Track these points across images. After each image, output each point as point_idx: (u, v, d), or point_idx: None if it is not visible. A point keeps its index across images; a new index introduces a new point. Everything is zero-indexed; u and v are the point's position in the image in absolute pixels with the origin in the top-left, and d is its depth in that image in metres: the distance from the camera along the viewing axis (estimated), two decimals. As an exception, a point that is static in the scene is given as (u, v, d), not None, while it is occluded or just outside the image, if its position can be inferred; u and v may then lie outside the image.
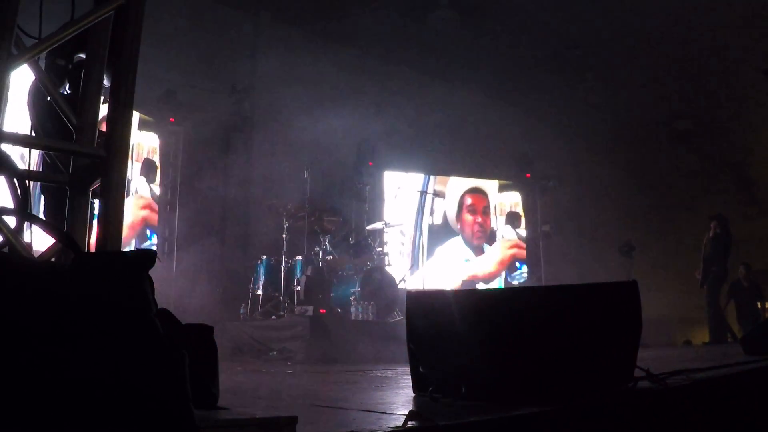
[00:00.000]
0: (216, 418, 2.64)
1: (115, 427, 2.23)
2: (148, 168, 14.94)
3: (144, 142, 14.99)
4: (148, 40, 11.83)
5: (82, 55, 4.66)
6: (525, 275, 20.41)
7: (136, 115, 14.51)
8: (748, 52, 17.89)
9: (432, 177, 19.40)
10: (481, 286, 19.23)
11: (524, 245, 20.54)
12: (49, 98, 4.14)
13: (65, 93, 5.83)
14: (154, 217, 14.93)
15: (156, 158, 15.27)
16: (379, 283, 13.57)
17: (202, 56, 15.83)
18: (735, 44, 17.58)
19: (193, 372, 2.43)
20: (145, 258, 2.58)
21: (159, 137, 15.40)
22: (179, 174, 15.72)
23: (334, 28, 17.73)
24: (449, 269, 19.01)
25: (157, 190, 15.17)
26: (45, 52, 4.42)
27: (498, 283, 19.75)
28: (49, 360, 2.26)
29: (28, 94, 5.77)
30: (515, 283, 20.18)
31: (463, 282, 18.75)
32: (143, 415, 2.26)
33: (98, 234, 3.47)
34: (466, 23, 17.21)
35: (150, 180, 14.96)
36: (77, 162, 3.88)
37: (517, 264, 20.39)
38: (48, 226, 3.27)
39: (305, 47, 17.27)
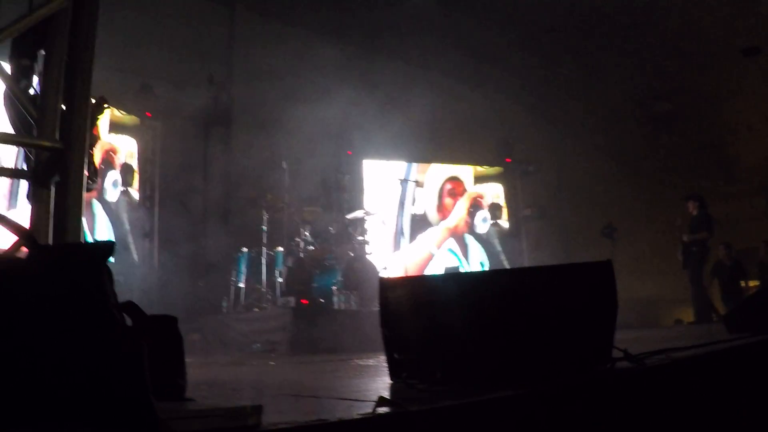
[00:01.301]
0: (180, 409, 2.60)
1: (74, 418, 2.20)
2: (125, 172, 14.82)
3: (121, 147, 14.87)
4: (124, 34, 11.76)
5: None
6: (488, 218, 20.41)
7: (107, 116, 14.45)
8: (727, 33, 17.90)
9: (414, 165, 19.39)
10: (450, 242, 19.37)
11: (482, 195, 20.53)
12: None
13: (36, 92, 5.79)
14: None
15: (134, 162, 15.16)
16: (361, 272, 13.55)
17: (179, 50, 15.78)
18: (714, 25, 17.59)
19: (157, 363, 2.39)
20: (102, 249, 2.53)
21: (137, 141, 15.31)
22: (158, 169, 15.63)
23: (310, 18, 17.68)
24: (432, 258, 19.02)
25: (135, 194, 15.07)
26: (10, 55, 4.39)
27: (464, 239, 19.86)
28: (3, 353, 2.22)
29: (3, 96, 5.74)
30: (482, 231, 20.21)
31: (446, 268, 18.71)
32: (102, 405, 2.22)
33: (56, 226, 3.44)
34: (444, 9, 17.18)
35: (128, 184, 14.85)
36: (39, 156, 3.85)
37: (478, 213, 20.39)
38: (6, 221, 3.23)
39: (282, 38, 17.24)
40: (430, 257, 19.18)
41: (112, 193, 14.47)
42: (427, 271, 18.79)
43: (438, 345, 4.25)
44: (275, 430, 2.45)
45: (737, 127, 21.06)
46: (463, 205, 20.03)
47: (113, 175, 14.49)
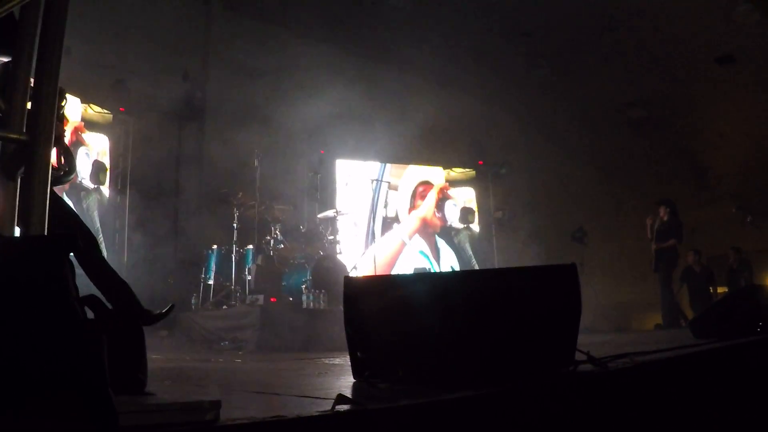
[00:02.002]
0: (138, 403, 2.60)
1: (31, 411, 2.20)
2: (97, 170, 14.75)
3: (93, 144, 14.81)
4: (98, 28, 11.72)
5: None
6: (458, 205, 20.53)
7: (79, 109, 14.40)
8: (702, 41, 18.00)
9: (387, 165, 19.42)
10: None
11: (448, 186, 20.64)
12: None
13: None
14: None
15: (106, 160, 15.10)
16: (330, 272, 13.53)
17: (153, 45, 15.68)
18: (689, 33, 17.68)
19: (117, 357, 2.40)
20: (64, 242, 2.53)
21: (109, 138, 15.25)
22: (129, 164, 15.58)
23: (285, 16, 17.67)
24: (401, 260, 19.07)
25: (106, 192, 15.02)
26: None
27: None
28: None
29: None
30: (452, 220, 20.36)
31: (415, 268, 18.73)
32: (59, 399, 2.22)
33: (20, 219, 3.43)
34: (418, 10, 17.20)
35: (99, 182, 14.79)
36: (5, 147, 3.84)
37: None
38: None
39: (258, 36, 17.22)
40: (402, 246, 19.23)
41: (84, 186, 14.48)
42: (398, 263, 18.87)
43: (401, 344, 4.28)
44: (232, 426, 2.46)
45: (710, 135, 21.17)
46: (432, 197, 20.08)
47: (84, 164, 14.44)
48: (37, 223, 3.35)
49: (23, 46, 4.00)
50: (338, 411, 2.81)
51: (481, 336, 4.14)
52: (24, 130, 3.77)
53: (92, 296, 3.04)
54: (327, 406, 2.93)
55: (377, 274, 15.47)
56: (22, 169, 3.75)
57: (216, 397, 2.61)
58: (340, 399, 2.92)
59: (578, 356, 4.21)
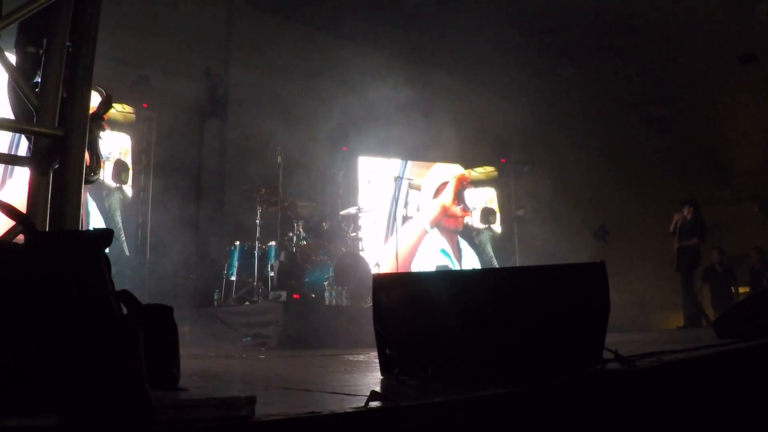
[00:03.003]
0: (173, 398, 2.61)
1: (69, 403, 2.21)
2: (119, 169, 14.78)
3: (115, 144, 14.85)
4: (122, 25, 11.74)
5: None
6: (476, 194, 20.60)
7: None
8: (725, 39, 17.91)
9: (408, 163, 19.43)
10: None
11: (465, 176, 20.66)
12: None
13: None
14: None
15: (128, 159, 15.15)
16: (353, 269, 13.54)
17: (176, 41, 15.70)
18: (712, 31, 17.60)
19: (151, 352, 2.40)
20: (101, 237, 2.54)
21: (130, 136, 15.30)
22: (152, 160, 15.61)
23: (308, 12, 17.67)
24: (423, 258, 19.06)
25: (129, 191, 15.07)
26: (16, 42, 4.39)
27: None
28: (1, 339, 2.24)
29: (7, 84, 5.74)
30: (472, 206, 20.40)
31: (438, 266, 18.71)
32: (97, 392, 2.23)
33: (54, 213, 3.44)
34: (441, 7, 17.17)
35: (122, 182, 14.83)
36: (38, 143, 3.86)
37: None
38: (4, 206, 3.23)
39: (279, 32, 17.24)
40: (424, 234, 19.24)
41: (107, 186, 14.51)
42: (419, 254, 18.88)
43: (430, 342, 4.27)
44: (267, 422, 2.46)
45: (732, 133, 21.08)
46: (450, 186, 20.08)
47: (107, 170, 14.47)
48: (72, 218, 3.36)
49: (55, 41, 4.02)
50: (372, 407, 2.81)
51: (510, 334, 4.13)
52: (56, 125, 3.79)
53: (125, 291, 3.04)
54: (358, 402, 2.93)
55: (399, 270, 15.43)
56: (54, 164, 3.77)
57: (248, 393, 2.62)
58: (374, 395, 2.92)
59: (606, 355, 4.20)
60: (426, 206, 19.63)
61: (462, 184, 20.35)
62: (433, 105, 18.03)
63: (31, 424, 2.12)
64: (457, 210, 20.08)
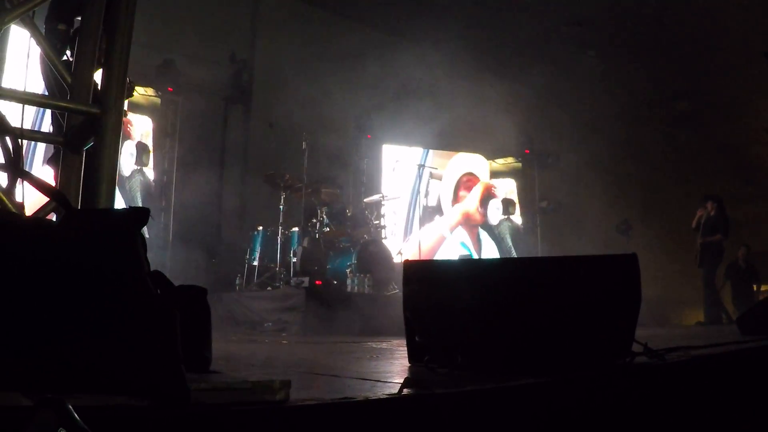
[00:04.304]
0: (208, 380, 2.59)
1: (106, 384, 2.19)
2: (140, 151, 14.82)
3: (137, 125, 14.88)
4: (147, 9, 11.74)
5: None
6: (500, 208, 20.54)
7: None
8: (749, 34, 17.81)
9: (431, 151, 19.42)
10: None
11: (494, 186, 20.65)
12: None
13: (68, 58, 5.79)
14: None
15: (149, 142, 15.18)
16: (375, 256, 13.54)
17: (202, 26, 15.71)
18: (738, 27, 17.50)
19: (185, 334, 2.38)
20: (138, 216, 2.52)
21: (152, 120, 15.34)
22: (176, 144, 15.64)
23: (334, 0, 17.67)
24: (443, 250, 19.08)
25: (150, 174, 15.10)
26: (47, 18, 4.37)
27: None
28: (37, 317, 2.22)
29: (39, 60, 5.74)
30: (494, 221, 20.36)
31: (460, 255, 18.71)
32: (133, 373, 2.21)
33: (89, 192, 3.42)
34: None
35: (143, 164, 14.86)
36: (71, 120, 3.84)
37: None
38: (39, 183, 3.21)
39: (305, 19, 17.24)
40: (442, 240, 19.24)
41: (128, 165, 14.52)
42: (439, 254, 18.86)
43: (460, 330, 4.24)
44: (302, 407, 2.44)
45: (757, 130, 20.97)
46: (477, 192, 20.09)
47: (128, 147, 14.51)
48: (106, 196, 3.35)
49: (90, 20, 3.99)
50: (406, 394, 2.79)
51: (540, 324, 4.10)
52: (90, 102, 3.76)
53: (158, 272, 3.02)
54: (390, 388, 2.92)
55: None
56: (89, 142, 3.75)
57: (279, 377, 2.59)
58: (408, 382, 2.89)
59: (635, 347, 4.18)
60: (448, 212, 19.63)
61: (489, 192, 20.35)
62: (459, 95, 17.99)
63: (113, 403, 2.11)
64: (478, 214, 20.10)
